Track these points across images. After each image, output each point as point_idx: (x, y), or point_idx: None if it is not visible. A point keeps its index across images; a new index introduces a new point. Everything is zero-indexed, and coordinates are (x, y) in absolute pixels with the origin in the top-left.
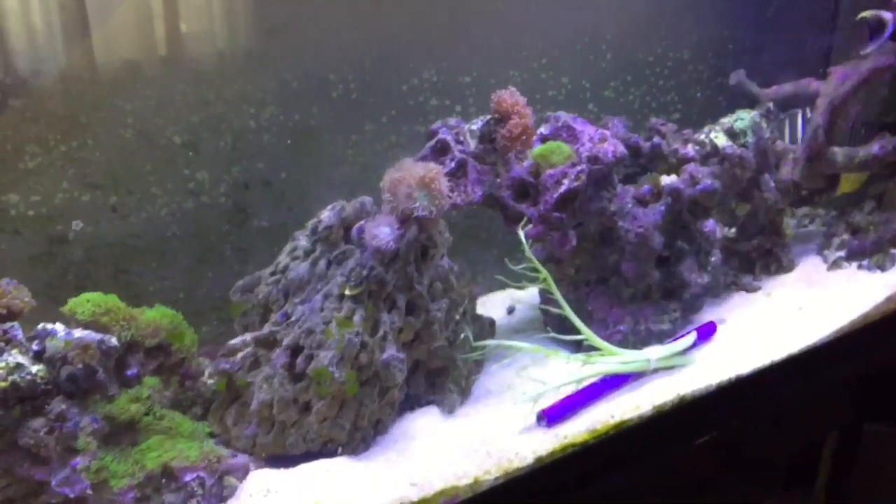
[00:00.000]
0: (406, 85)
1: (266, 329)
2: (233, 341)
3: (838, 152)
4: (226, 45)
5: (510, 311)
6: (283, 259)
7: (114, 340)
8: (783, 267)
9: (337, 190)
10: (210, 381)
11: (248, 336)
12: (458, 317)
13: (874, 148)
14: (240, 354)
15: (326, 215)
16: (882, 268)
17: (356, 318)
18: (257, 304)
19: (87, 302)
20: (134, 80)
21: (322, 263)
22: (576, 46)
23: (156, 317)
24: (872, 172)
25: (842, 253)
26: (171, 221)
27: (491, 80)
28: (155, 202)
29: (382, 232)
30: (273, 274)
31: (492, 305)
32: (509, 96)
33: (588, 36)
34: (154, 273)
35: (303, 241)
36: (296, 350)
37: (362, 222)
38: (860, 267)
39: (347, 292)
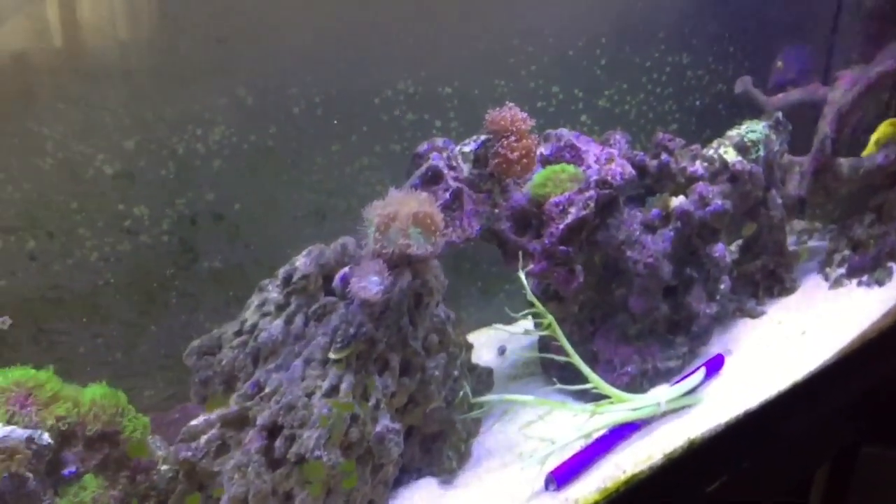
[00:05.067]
0: (378, 97)
1: (234, 405)
2: (194, 422)
3: (844, 163)
4: (167, 56)
5: (501, 352)
6: (250, 316)
7: (46, 437)
8: (786, 288)
9: (300, 222)
10: (164, 468)
11: (212, 415)
12: (456, 372)
13: (878, 158)
14: (203, 438)
15: (302, 262)
16: (881, 283)
17: (344, 385)
18: (220, 372)
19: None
20: (54, 98)
21: (299, 320)
22: (568, 52)
23: (97, 397)
24: (875, 183)
25: (843, 270)
26: (104, 267)
27: (474, 91)
28: (83, 245)
29: (371, 280)
30: (238, 334)
31: (479, 346)
32: (508, 112)
33: (582, 40)
34: (84, 331)
35: (274, 293)
36: (273, 430)
37: (345, 269)
38: (860, 283)
39: (332, 356)
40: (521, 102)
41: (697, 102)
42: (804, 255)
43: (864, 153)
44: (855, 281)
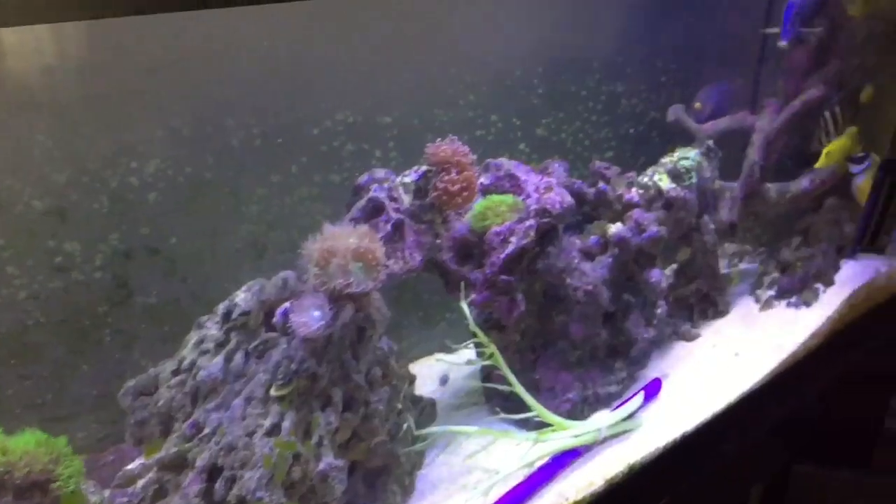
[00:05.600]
0: (317, 128)
1: (172, 447)
2: (130, 466)
3: (771, 188)
4: (98, 86)
5: (443, 381)
6: (188, 353)
7: None
8: (719, 311)
9: (239, 254)
10: None
11: (149, 459)
12: (399, 405)
13: (804, 183)
14: (140, 483)
15: (243, 297)
16: (808, 304)
17: (286, 423)
18: (157, 413)
19: None
20: None
21: (239, 357)
22: (506, 81)
23: (30, 445)
24: (801, 207)
25: (773, 292)
26: (33, 306)
27: (414, 121)
28: (10, 284)
29: (312, 316)
30: (176, 373)
31: (422, 377)
32: (449, 146)
33: (519, 69)
34: (12, 372)
35: (213, 329)
36: (213, 472)
37: (286, 304)
38: (789, 305)
39: (274, 393)
40: (461, 131)
41: (632, 130)
42: (736, 279)
43: (817, 165)
44: (784, 302)
